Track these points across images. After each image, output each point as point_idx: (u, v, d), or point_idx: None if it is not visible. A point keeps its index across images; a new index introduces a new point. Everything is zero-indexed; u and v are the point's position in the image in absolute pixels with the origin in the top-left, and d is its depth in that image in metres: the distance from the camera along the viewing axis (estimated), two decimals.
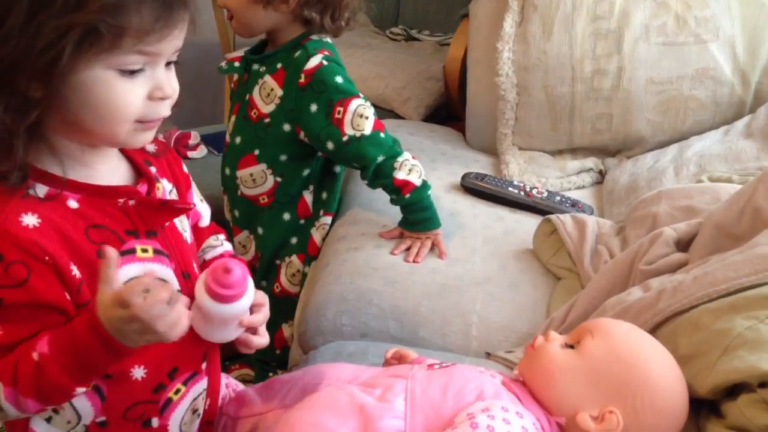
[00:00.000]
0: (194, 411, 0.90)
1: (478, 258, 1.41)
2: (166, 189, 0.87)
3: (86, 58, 0.69)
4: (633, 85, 1.67)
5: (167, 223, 0.84)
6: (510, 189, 1.61)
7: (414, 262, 1.37)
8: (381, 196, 1.43)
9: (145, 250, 0.81)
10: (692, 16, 1.65)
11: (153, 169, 0.86)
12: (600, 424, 0.79)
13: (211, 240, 1.00)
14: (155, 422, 0.86)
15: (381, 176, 1.37)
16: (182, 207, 0.86)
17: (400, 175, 1.36)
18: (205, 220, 0.99)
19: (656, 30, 1.66)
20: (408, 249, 1.40)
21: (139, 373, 0.82)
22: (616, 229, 1.39)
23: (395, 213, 1.44)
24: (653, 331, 0.95)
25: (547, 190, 1.63)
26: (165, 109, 0.77)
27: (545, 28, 1.70)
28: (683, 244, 1.19)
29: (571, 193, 1.70)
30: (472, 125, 1.91)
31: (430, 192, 1.39)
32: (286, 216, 1.48)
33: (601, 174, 1.76)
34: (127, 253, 0.78)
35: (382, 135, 1.36)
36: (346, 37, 1.52)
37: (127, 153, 0.84)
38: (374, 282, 1.33)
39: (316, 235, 1.51)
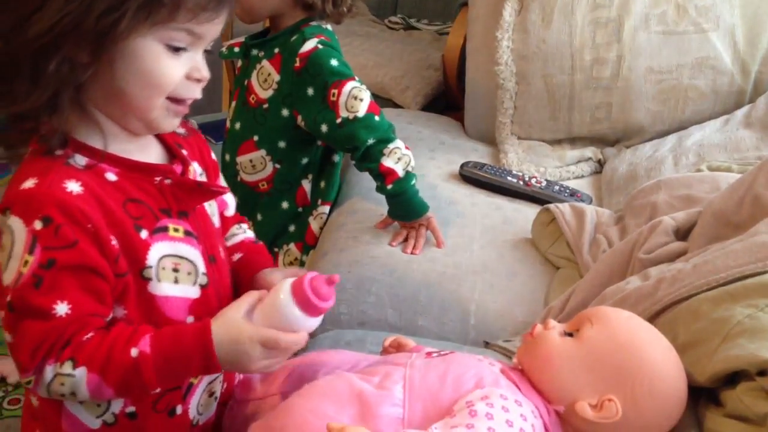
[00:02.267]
0: (211, 394, 0.91)
1: (477, 247, 1.41)
2: (197, 172, 0.88)
3: (141, 27, 0.71)
4: (632, 74, 1.66)
5: (198, 206, 0.86)
6: (509, 178, 1.61)
7: (412, 253, 1.37)
8: None
9: (176, 230, 0.82)
10: (692, 4, 1.64)
11: (184, 152, 0.87)
12: (599, 412, 0.79)
13: (234, 228, 1.01)
14: (179, 410, 0.86)
15: (369, 159, 1.36)
16: (217, 190, 0.87)
17: (388, 162, 1.34)
18: (231, 209, 0.99)
19: (656, 19, 1.65)
20: (405, 240, 1.40)
21: None
22: (615, 219, 1.38)
23: None
24: (652, 319, 0.95)
25: (546, 180, 1.63)
26: (198, 92, 0.79)
27: (545, 17, 1.69)
28: (682, 233, 1.18)
29: (570, 182, 1.69)
30: (470, 114, 1.91)
31: (414, 182, 1.37)
32: (285, 204, 1.48)
33: (600, 163, 1.76)
34: (160, 231, 0.79)
35: (376, 118, 1.34)
36: (345, 25, 1.52)
37: (160, 134, 0.85)
38: (372, 271, 1.33)
39: (314, 224, 1.50)
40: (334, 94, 1.33)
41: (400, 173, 1.35)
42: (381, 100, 2.14)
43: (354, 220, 1.47)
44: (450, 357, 0.85)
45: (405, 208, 1.38)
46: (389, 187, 1.35)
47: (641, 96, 1.68)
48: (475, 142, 1.87)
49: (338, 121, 1.33)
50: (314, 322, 0.80)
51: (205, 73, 0.78)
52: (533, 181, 1.60)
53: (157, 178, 0.81)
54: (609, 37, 1.66)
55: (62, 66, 0.70)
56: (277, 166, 1.44)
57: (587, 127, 1.74)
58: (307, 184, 1.49)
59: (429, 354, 0.88)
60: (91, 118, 0.76)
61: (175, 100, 0.77)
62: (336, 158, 1.52)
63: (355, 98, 1.33)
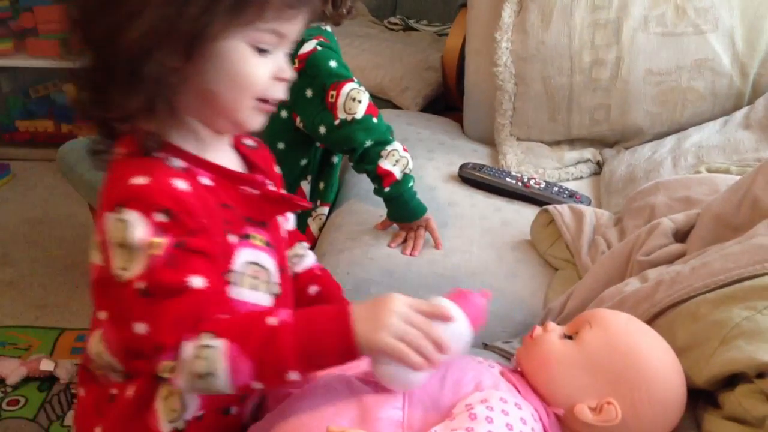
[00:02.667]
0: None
1: (476, 248, 1.41)
2: (269, 184, 0.89)
3: (231, 28, 0.73)
4: (631, 76, 1.66)
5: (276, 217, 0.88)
6: (508, 179, 1.61)
7: (411, 255, 1.37)
8: None
9: (258, 239, 0.83)
10: (691, 6, 1.64)
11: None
12: (598, 416, 0.79)
13: (298, 248, 1.02)
14: (234, 410, 0.87)
15: (366, 161, 1.35)
16: (301, 204, 0.88)
17: (385, 164, 1.34)
18: (291, 222, 1.00)
19: (655, 20, 1.65)
20: (404, 241, 1.40)
21: None
22: (614, 220, 1.39)
23: None
24: (651, 321, 0.95)
25: (545, 181, 1.63)
26: (282, 92, 0.81)
27: (544, 18, 1.69)
28: (681, 235, 1.18)
29: (569, 183, 1.69)
30: (469, 115, 1.91)
31: (411, 184, 1.37)
32: None
33: (599, 165, 1.76)
34: (245, 238, 0.81)
35: (374, 120, 1.34)
36: (344, 26, 1.51)
37: (236, 147, 0.88)
38: (371, 272, 1.33)
39: (313, 225, 1.50)
40: (332, 96, 1.33)
41: (398, 175, 1.34)
42: (380, 101, 2.14)
43: (353, 221, 1.47)
44: (449, 359, 0.85)
45: (403, 210, 1.38)
46: (387, 189, 1.35)
47: (640, 98, 1.68)
48: (475, 144, 1.87)
49: (336, 122, 1.33)
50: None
51: (290, 72, 0.80)
52: (532, 182, 1.60)
53: (245, 188, 0.83)
54: (608, 39, 1.66)
55: (156, 71, 0.72)
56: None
57: (586, 128, 1.75)
58: (306, 185, 1.49)
59: None
60: (182, 121, 0.78)
61: (262, 100, 0.79)
62: (335, 159, 1.52)
63: (354, 100, 1.33)
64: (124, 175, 0.74)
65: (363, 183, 1.52)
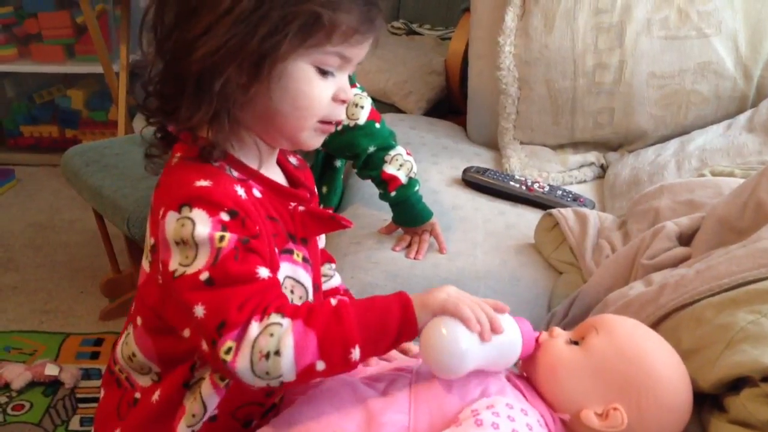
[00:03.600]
0: None
1: (480, 252, 1.41)
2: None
3: (298, 49, 0.75)
4: (635, 79, 1.66)
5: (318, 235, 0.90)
6: (511, 183, 1.61)
7: (415, 258, 1.37)
8: None
9: (298, 255, 0.85)
10: (695, 9, 1.65)
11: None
12: (604, 421, 0.79)
13: (326, 268, 1.04)
14: (254, 424, 0.88)
15: (370, 167, 1.36)
16: (345, 224, 0.89)
17: (390, 169, 1.35)
18: (323, 241, 1.02)
19: (658, 24, 1.66)
20: (408, 246, 1.40)
21: None
22: (618, 224, 1.38)
23: None
24: (655, 325, 0.95)
25: (549, 185, 1.63)
26: (342, 113, 0.83)
27: (547, 22, 1.70)
28: (685, 239, 1.18)
29: (573, 187, 1.69)
30: (473, 119, 1.91)
31: (417, 188, 1.37)
32: None
33: (603, 168, 1.76)
34: (287, 252, 0.82)
35: (377, 125, 1.35)
36: None
37: (280, 163, 0.89)
38: (375, 276, 1.33)
39: None
40: None
41: (403, 180, 1.35)
42: (383, 105, 2.14)
43: (356, 225, 1.47)
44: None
45: (409, 215, 1.38)
46: (393, 194, 1.35)
47: (644, 101, 1.68)
48: (478, 147, 1.87)
49: (339, 128, 1.33)
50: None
51: (350, 94, 0.82)
52: (536, 185, 1.60)
53: (293, 204, 0.84)
54: (611, 42, 1.67)
55: (224, 87, 0.74)
56: None
57: (590, 131, 1.75)
58: None
59: None
60: (243, 137, 0.80)
61: (323, 121, 0.81)
62: (338, 163, 1.52)
63: (356, 105, 1.33)
64: (187, 177, 0.75)
65: (366, 187, 1.52)
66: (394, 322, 0.75)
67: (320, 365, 0.73)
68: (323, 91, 0.79)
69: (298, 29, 0.73)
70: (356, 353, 0.73)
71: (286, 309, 0.73)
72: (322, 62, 0.77)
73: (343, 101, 0.81)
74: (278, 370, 0.71)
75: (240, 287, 0.72)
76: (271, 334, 0.71)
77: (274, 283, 0.76)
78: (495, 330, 0.77)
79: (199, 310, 0.71)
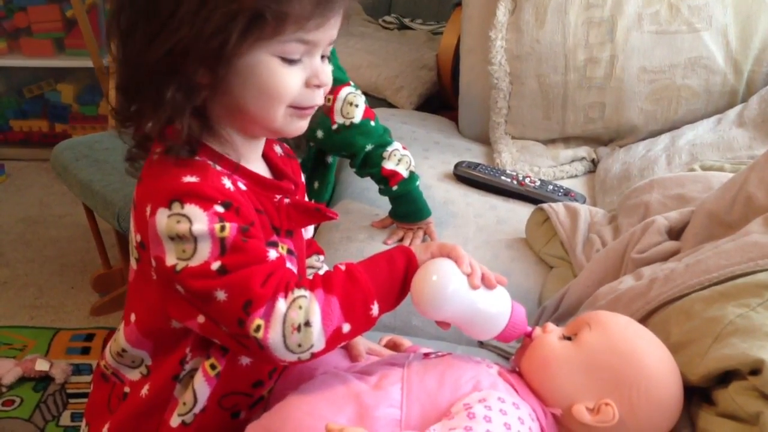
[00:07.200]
0: None
1: (471, 247, 1.41)
2: None
3: (250, 44, 0.73)
4: (626, 74, 1.67)
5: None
6: (503, 178, 1.61)
7: None
8: (373, 185, 1.43)
9: (282, 247, 0.84)
10: (685, 4, 1.65)
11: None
12: (596, 416, 0.79)
13: (314, 260, 1.04)
14: (242, 415, 0.88)
15: (369, 165, 1.36)
16: (330, 215, 0.89)
17: (389, 165, 1.35)
18: (310, 231, 1.02)
19: (649, 18, 1.66)
20: (401, 240, 1.40)
21: (245, 359, 0.85)
22: (609, 218, 1.39)
23: (387, 202, 1.44)
24: (645, 319, 0.95)
25: (540, 179, 1.63)
26: (319, 98, 0.81)
27: (538, 17, 1.70)
28: (675, 233, 1.19)
29: (564, 182, 1.70)
30: (464, 114, 1.91)
31: (418, 183, 1.38)
32: None
33: (594, 163, 1.76)
34: (272, 245, 0.82)
35: (372, 123, 1.35)
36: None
37: (266, 155, 0.88)
38: None
39: None
40: (329, 100, 1.33)
41: (404, 174, 1.36)
42: (375, 99, 2.14)
43: (348, 220, 1.48)
44: (448, 358, 0.85)
45: (410, 208, 1.39)
46: (395, 188, 1.36)
47: (634, 96, 1.68)
48: (469, 142, 1.87)
49: (334, 127, 1.33)
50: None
51: (324, 78, 0.79)
52: (527, 180, 1.60)
53: (278, 196, 0.84)
54: (602, 37, 1.67)
55: (182, 88, 0.74)
56: None
57: (581, 126, 1.75)
58: None
59: (426, 355, 0.88)
60: (219, 133, 0.79)
61: (297, 107, 0.79)
62: (329, 159, 1.52)
63: (351, 104, 1.33)
64: (172, 173, 0.75)
65: (358, 182, 1.52)
66: (400, 269, 0.80)
67: (346, 327, 0.76)
68: (290, 79, 0.77)
69: (243, 26, 0.71)
70: (375, 309, 0.78)
71: (304, 282, 0.76)
72: (283, 52, 0.75)
73: (318, 86, 0.79)
74: (310, 340, 0.74)
75: (255, 267, 0.74)
76: (300, 307, 0.74)
77: (283, 262, 0.79)
78: (486, 282, 0.80)
79: (221, 294, 0.73)
